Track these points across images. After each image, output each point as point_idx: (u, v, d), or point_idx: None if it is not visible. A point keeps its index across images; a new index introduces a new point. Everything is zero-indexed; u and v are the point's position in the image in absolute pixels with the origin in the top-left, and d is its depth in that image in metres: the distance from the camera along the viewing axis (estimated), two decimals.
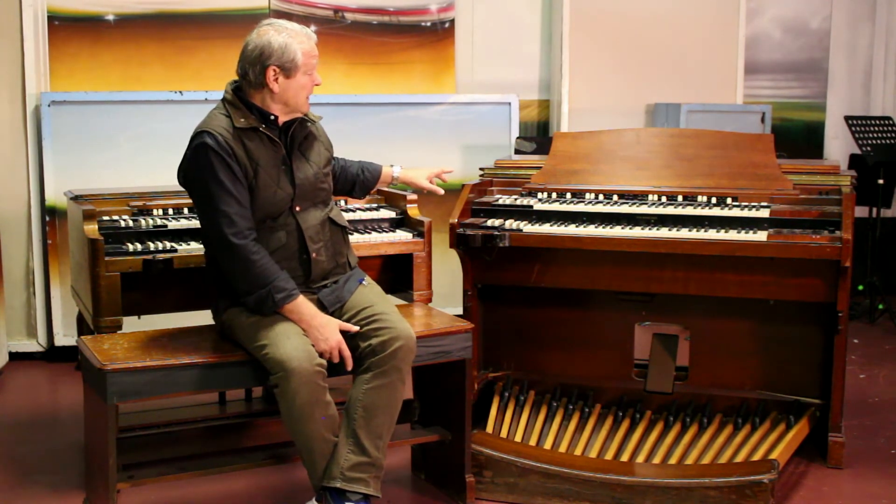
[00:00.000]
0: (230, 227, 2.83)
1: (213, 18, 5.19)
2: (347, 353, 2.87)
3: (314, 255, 2.98)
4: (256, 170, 2.89)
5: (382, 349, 2.88)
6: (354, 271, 3.14)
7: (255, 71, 2.90)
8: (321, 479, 2.88)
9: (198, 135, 2.88)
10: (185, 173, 2.94)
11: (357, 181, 3.38)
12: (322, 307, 2.99)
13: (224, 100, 2.95)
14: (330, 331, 2.86)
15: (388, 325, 2.91)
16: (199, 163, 2.85)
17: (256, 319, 2.87)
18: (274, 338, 2.79)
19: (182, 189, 3.59)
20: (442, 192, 3.44)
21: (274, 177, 2.92)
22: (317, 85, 2.99)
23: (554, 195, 3.79)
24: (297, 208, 2.97)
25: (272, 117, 2.94)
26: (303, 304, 2.88)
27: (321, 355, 2.83)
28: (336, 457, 2.86)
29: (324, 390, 2.81)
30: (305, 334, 2.85)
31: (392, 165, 3.43)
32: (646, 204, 3.62)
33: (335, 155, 3.27)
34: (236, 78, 2.98)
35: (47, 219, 4.81)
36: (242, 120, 2.89)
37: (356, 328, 2.90)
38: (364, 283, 3.11)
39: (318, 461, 2.87)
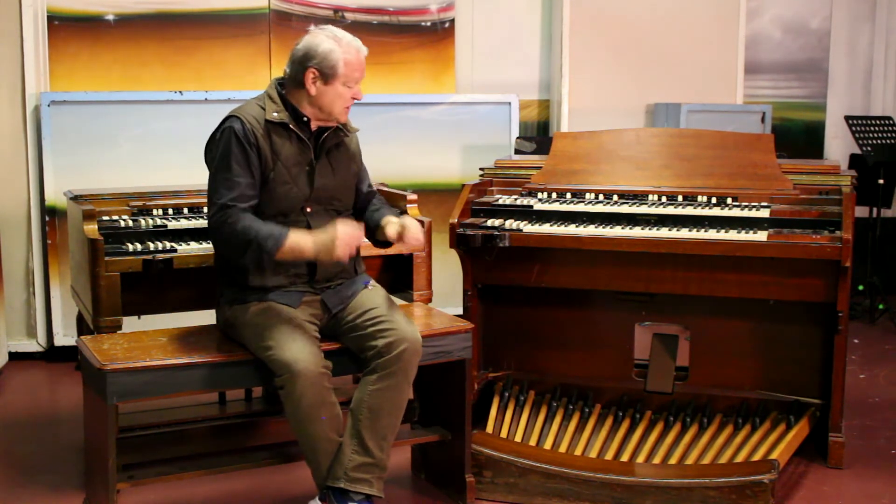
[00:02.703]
0: (220, 211, 2.85)
1: (212, 18, 5.19)
2: (352, 233, 2.81)
3: None
4: (276, 164, 2.91)
5: (388, 351, 2.88)
6: (360, 276, 3.14)
7: (296, 69, 2.94)
8: (325, 479, 2.88)
9: (228, 118, 2.93)
10: (207, 150, 2.99)
11: (367, 219, 3.18)
12: (325, 308, 3.00)
13: (265, 92, 3.00)
14: (328, 247, 2.80)
15: (394, 326, 2.91)
16: (219, 144, 2.90)
17: (261, 319, 2.87)
18: (279, 339, 2.79)
19: (182, 189, 3.64)
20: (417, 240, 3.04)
21: (294, 175, 2.94)
22: (356, 99, 2.97)
23: (554, 195, 3.79)
24: (308, 209, 2.98)
25: (304, 118, 2.96)
26: (296, 239, 2.82)
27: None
28: (340, 457, 2.87)
29: (329, 391, 2.82)
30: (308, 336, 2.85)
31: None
32: (646, 204, 3.62)
33: (378, 195, 3.23)
34: (282, 75, 3.02)
35: (47, 219, 4.81)
36: (275, 114, 2.93)
37: (353, 239, 2.84)
38: (370, 286, 3.11)
39: (322, 461, 2.87)
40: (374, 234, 3.13)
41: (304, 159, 2.97)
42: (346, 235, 2.80)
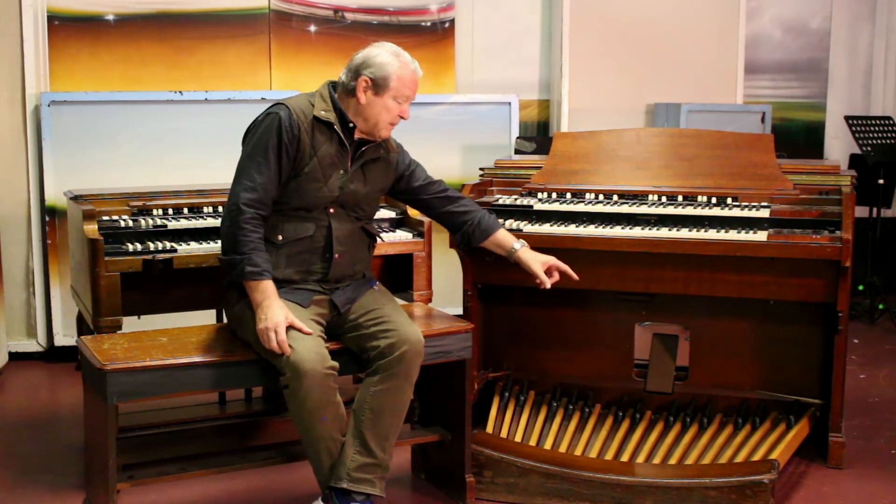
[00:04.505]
0: (248, 193, 2.87)
1: (212, 18, 5.19)
2: (283, 338, 2.76)
3: (337, 255, 3.00)
4: (312, 160, 2.93)
5: (390, 352, 2.89)
6: (368, 278, 3.16)
7: (350, 76, 2.98)
8: (328, 479, 2.89)
9: (277, 104, 2.96)
10: (247, 130, 3.00)
11: (464, 230, 3.26)
12: (334, 307, 3.01)
13: (317, 91, 3.03)
14: (273, 314, 2.79)
15: (396, 327, 2.92)
16: (262, 127, 2.93)
17: None
18: (287, 339, 2.79)
19: (182, 189, 3.64)
20: (549, 285, 3.21)
21: (327, 175, 2.96)
22: (402, 118, 3.00)
23: (554, 195, 3.79)
24: (332, 210, 3.00)
25: (350, 125, 2.99)
26: (266, 288, 2.83)
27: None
28: (342, 457, 2.87)
29: (334, 391, 2.82)
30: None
31: (518, 239, 3.28)
32: (646, 204, 3.62)
33: (449, 192, 3.28)
34: (333, 79, 3.07)
35: (47, 219, 4.81)
36: (323, 112, 2.96)
37: (309, 330, 2.83)
38: (375, 287, 3.12)
39: (325, 460, 2.88)
40: (470, 241, 3.28)
41: (341, 163, 2.99)
42: (276, 337, 2.76)
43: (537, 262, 3.24)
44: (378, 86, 2.95)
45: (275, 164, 2.89)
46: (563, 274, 3.27)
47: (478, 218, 3.27)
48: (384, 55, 2.96)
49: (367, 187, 3.07)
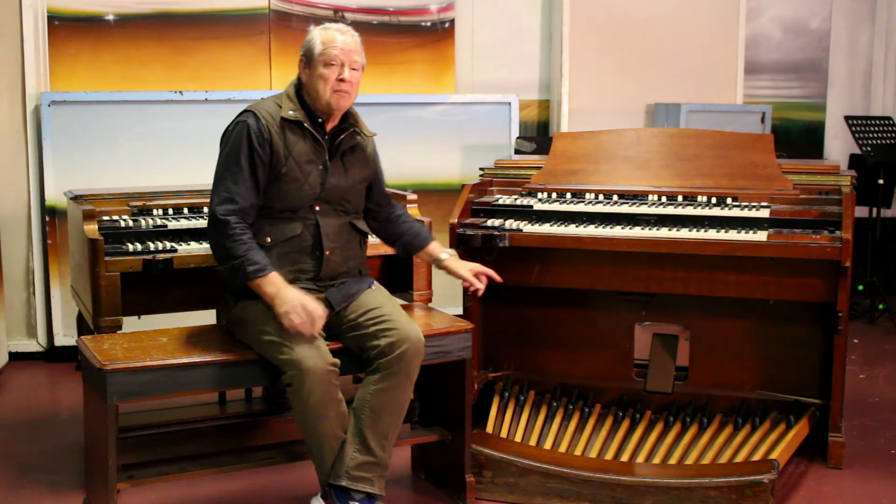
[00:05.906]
0: (224, 204, 2.87)
1: (213, 18, 5.19)
2: (313, 307, 2.78)
3: (328, 252, 3.00)
4: (288, 160, 2.94)
5: (390, 351, 2.89)
6: (364, 276, 3.16)
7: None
8: (328, 477, 2.89)
9: (244, 112, 2.98)
10: (221, 141, 3.01)
11: (402, 240, 3.29)
12: (329, 306, 3.00)
13: (284, 91, 3.04)
14: (290, 297, 2.80)
15: (396, 326, 2.92)
16: (232, 136, 2.94)
17: (268, 316, 2.85)
18: (288, 337, 2.79)
19: (182, 189, 3.65)
20: (482, 290, 3.23)
21: (306, 172, 2.96)
22: (341, 80, 2.95)
23: (554, 195, 3.79)
24: (318, 208, 3.00)
25: (319, 119, 2.99)
26: (274, 279, 2.84)
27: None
28: (342, 456, 2.87)
29: (336, 388, 2.83)
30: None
31: (446, 249, 3.30)
32: (646, 204, 3.62)
33: (396, 209, 3.29)
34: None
35: (47, 219, 4.81)
36: (291, 112, 2.96)
37: (322, 312, 2.83)
38: (373, 286, 3.12)
39: (327, 458, 2.88)
40: (409, 249, 3.29)
41: (318, 159, 2.99)
42: (305, 313, 2.78)
43: (465, 269, 3.25)
44: (307, 58, 2.98)
45: (248, 171, 2.89)
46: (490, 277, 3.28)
47: (416, 229, 3.29)
48: (313, 32, 3.00)
49: (349, 179, 3.06)
